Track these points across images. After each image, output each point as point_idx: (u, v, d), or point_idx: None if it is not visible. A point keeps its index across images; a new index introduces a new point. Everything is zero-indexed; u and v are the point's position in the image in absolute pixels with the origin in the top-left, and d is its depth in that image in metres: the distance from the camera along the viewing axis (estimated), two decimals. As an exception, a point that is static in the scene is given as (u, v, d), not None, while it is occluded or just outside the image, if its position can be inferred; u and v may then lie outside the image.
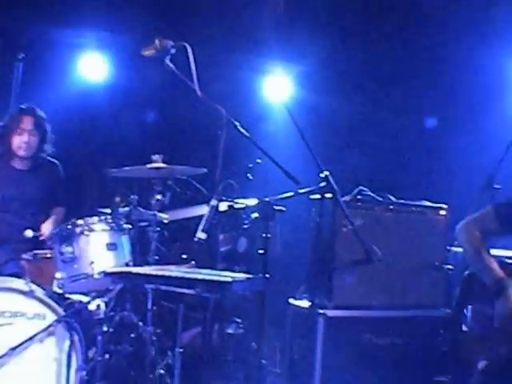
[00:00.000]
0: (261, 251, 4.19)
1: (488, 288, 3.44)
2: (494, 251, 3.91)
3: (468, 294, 3.65)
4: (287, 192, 4.41)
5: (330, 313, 4.94)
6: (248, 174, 5.50)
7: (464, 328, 3.58)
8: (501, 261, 3.56)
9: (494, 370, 3.36)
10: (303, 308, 5.12)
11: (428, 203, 5.37)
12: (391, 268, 5.12)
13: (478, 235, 3.53)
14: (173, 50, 3.89)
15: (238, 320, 5.85)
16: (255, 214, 4.42)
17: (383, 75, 7.29)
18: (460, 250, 5.25)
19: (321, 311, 4.92)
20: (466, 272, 3.72)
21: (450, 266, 5.26)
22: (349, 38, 7.14)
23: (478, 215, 3.62)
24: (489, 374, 3.36)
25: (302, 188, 4.50)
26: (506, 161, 4.87)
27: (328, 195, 4.70)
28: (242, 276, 3.71)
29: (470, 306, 3.59)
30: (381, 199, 5.25)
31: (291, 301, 5.36)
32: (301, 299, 5.31)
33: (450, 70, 7.08)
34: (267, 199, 4.26)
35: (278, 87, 7.75)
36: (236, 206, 4.49)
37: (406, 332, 5.15)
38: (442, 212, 5.34)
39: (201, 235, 3.82)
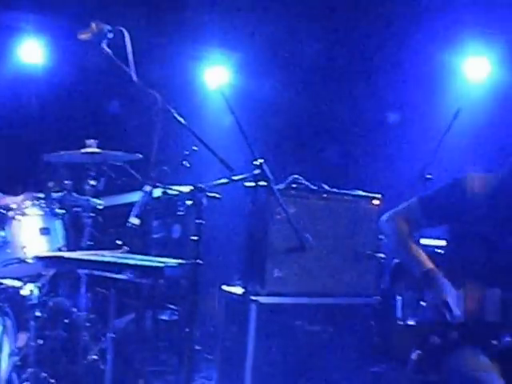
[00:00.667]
0: (194, 237, 4.22)
1: (416, 278, 3.48)
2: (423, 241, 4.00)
3: (396, 284, 3.67)
4: (222, 179, 4.45)
5: (263, 299, 4.96)
6: (184, 162, 5.51)
7: (394, 318, 3.61)
8: (428, 250, 3.59)
9: (425, 358, 3.40)
10: (236, 295, 5.14)
11: (361, 192, 5.43)
12: (324, 256, 5.17)
13: (403, 226, 3.57)
14: (110, 35, 3.85)
15: (172, 306, 5.86)
16: (189, 201, 4.42)
17: (321, 63, 7.35)
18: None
19: (253, 298, 4.94)
20: (394, 261, 3.74)
21: (381, 255, 5.34)
22: (289, 26, 7.17)
23: (403, 207, 3.65)
24: (422, 363, 3.41)
25: (237, 175, 4.54)
26: (439, 152, 4.95)
27: (262, 183, 4.74)
28: (173, 261, 3.71)
29: (399, 296, 3.60)
30: (314, 188, 5.28)
31: (224, 287, 5.39)
32: (234, 286, 5.34)
33: (389, 63, 7.17)
34: (201, 186, 4.28)
35: (216, 75, 7.76)
36: (170, 192, 4.51)
37: (338, 319, 5.21)
38: (375, 201, 5.39)
39: (134, 220, 3.82)
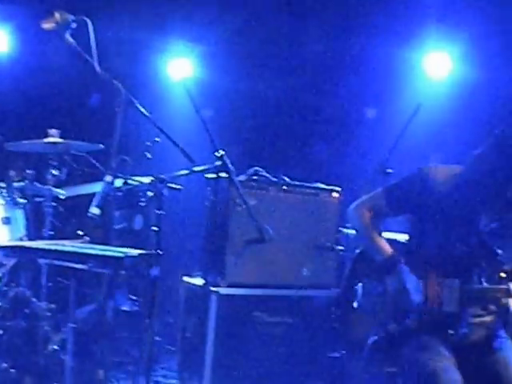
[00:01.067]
0: (155, 228, 4.24)
1: (377, 266, 3.52)
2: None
3: (358, 271, 3.71)
4: (184, 170, 4.47)
5: (223, 291, 5.01)
6: (146, 153, 5.50)
7: (354, 305, 3.65)
8: (391, 239, 3.65)
9: (382, 345, 3.44)
10: (197, 286, 5.17)
11: (321, 185, 5.49)
12: (284, 248, 5.23)
13: (368, 215, 3.60)
14: (74, 25, 3.83)
15: (133, 297, 5.86)
16: (151, 192, 4.43)
17: (285, 56, 7.38)
18: (351, 231, 5.41)
19: (214, 289, 4.98)
20: (357, 250, 3.79)
21: (341, 247, 5.40)
22: (254, 18, 7.18)
23: (369, 196, 3.69)
24: (377, 349, 3.45)
25: (199, 166, 4.56)
26: (398, 146, 5.00)
27: (223, 174, 4.77)
28: (134, 252, 3.72)
29: (359, 284, 3.65)
30: (275, 180, 5.33)
31: (185, 279, 5.41)
32: (194, 277, 5.36)
33: (350, 60, 7.22)
34: (162, 176, 4.30)
35: (179, 67, 7.75)
36: (131, 182, 4.51)
37: (298, 311, 5.28)
38: (335, 194, 5.47)
39: (94, 210, 3.80)
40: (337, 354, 5.03)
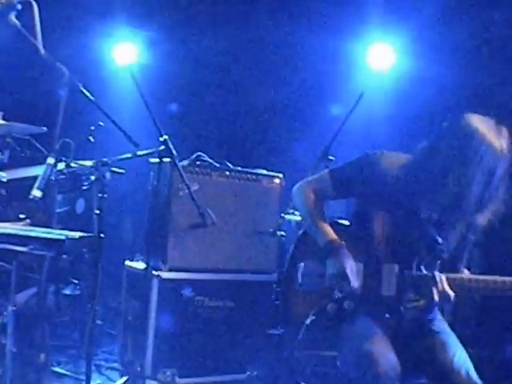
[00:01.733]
0: (97, 211, 4.25)
1: (319, 248, 3.52)
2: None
3: (301, 252, 3.72)
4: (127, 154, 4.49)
5: (165, 275, 5.03)
6: (90, 137, 5.49)
7: (295, 285, 3.65)
8: (333, 222, 3.66)
9: (320, 324, 3.46)
10: (138, 270, 5.17)
11: (264, 171, 5.54)
12: (226, 233, 5.27)
13: (312, 197, 3.61)
14: (19, 6, 3.80)
15: (75, 281, 5.85)
16: (93, 176, 4.43)
17: (229, 43, 7.39)
18: (293, 217, 5.47)
19: (155, 273, 5.00)
20: (301, 231, 3.80)
21: (282, 233, 5.45)
22: (197, 5, 7.19)
23: (314, 177, 3.70)
24: (314, 328, 3.46)
25: (142, 151, 4.58)
26: (341, 133, 5.05)
27: (166, 159, 4.80)
28: (75, 234, 3.72)
29: (301, 264, 3.65)
30: (218, 165, 5.36)
31: (127, 263, 5.42)
32: (136, 261, 5.37)
33: (295, 50, 7.26)
34: (105, 160, 4.32)
35: (124, 52, 7.72)
36: (74, 166, 4.51)
37: (239, 295, 5.31)
38: (277, 180, 5.52)
39: (36, 193, 3.80)
40: (276, 331, 5.07)
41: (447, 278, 3.34)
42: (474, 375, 3.28)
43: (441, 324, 3.56)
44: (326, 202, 3.69)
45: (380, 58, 7.17)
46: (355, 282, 3.42)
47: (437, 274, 3.33)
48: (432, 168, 3.31)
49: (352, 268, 3.42)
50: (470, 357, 3.38)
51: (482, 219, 3.38)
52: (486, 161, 3.19)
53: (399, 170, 3.45)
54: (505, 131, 3.28)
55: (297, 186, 3.72)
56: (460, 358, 3.35)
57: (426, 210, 3.43)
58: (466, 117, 3.30)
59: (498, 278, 3.34)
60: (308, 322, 3.46)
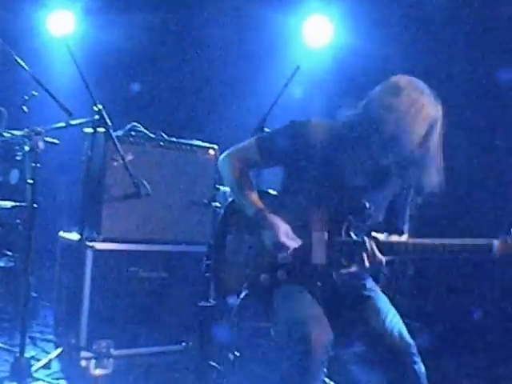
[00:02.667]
0: (30, 181, 4.23)
1: (248, 218, 3.51)
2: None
3: (229, 223, 3.70)
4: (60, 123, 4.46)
5: (99, 246, 5.03)
6: (23, 106, 5.43)
7: (225, 257, 3.63)
8: (261, 191, 3.65)
9: (254, 297, 3.47)
10: (72, 241, 5.15)
11: (198, 142, 5.55)
12: (160, 203, 5.28)
13: (239, 165, 3.59)
14: None
15: (9, 253, 5.79)
16: (27, 146, 4.39)
17: (167, 13, 7.36)
18: (228, 188, 5.49)
19: (89, 244, 4.99)
20: (228, 201, 3.79)
21: (217, 204, 5.47)
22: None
23: (240, 146, 3.65)
24: (248, 300, 3.45)
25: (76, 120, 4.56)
26: (277, 106, 5.08)
27: (100, 129, 4.79)
28: (7, 203, 3.70)
29: (230, 236, 3.65)
30: (153, 136, 5.36)
31: (61, 234, 5.40)
32: (70, 232, 5.35)
33: (231, 24, 7.26)
34: (38, 129, 4.29)
35: (59, 20, 7.61)
36: (6, 135, 4.47)
37: (173, 266, 5.34)
38: (211, 151, 5.53)
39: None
40: (208, 304, 5.10)
41: (380, 242, 3.37)
42: (406, 335, 3.33)
43: (372, 289, 3.59)
44: (253, 170, 3.69)
45: (317, 32, 7.16)
46: (286, 251, 3.41)
47: (366, 238, 3.35)
48: (360, 130, 3.35)
49: (286, 232, 3.42)
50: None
51: (429, 181, 3.40)
52: (421, 115, 3.25)
53: (326, 137, 3.46)
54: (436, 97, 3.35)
55: (223, 155, 3.69)
56: (392, 319, 3.39)
57: (352, 174, 3.46)
58: (397, 76, 3.38)
59: (436, 241, 3.34)
60: (242, 295, 3.46)
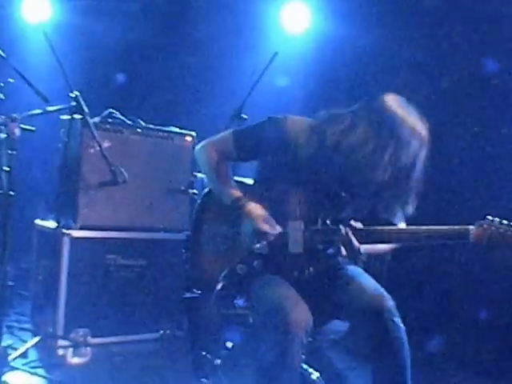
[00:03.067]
0: (6, 168, 4.21)
1: (225, 208, 3.53)
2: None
3: (206, 213, 3.70)
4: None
5: (76, 233, 5.02)
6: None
7: (202, 248, 3.65)
8: (237, 181, 3.65)
9: (232, 286, 3.45)
10: (49, 229, 5.14)
11: (176, 129, 5.56)
12: (138, 190, 5.28)
13: (215, 157, 3.60)
14: None
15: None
16: (3, 134, 4.36)
17: (147, 2, 7.34)
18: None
19: (66, 232, 4.98)
20: (204, 191, 3.78)
21: (195, 191, 5.47)
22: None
23: (216, 138, 3.67)
24: (226, 290, 3.46)
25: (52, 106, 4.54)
26: (255, 93, 5.07)
27: (77, 116, 4.77)
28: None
29: (206, 226, 3.64)
30: (130, 122, 5.35)
31: (37, 222, 5.38)
32: (47, 220, 5.33)
33: (206, 10, 7.24)
34: (14, 116, 4.27)
35: (36, 7, 7.55)
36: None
37: (151, 254, 5.35)
38: (189, 138, 5.54)
39: None
40: (190, 295, 5.09)
41: (357, 230, 3.39)
42: (383, 291, 3.39)
43: (354, 269, 3.62)
44: (229, 162, 3.68)
45: (295, 19, 7.14)
46: (262, 241, 3.43)
47: (341, 226, 3.37)
48: (343, 140, 3.36)
49: (267, 220, 3.43)
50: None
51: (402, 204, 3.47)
52: (403, 141, 3.28)
53: (303, 132, 3.50)
54: (423, 120, 3.37)
55: (199, 145, 3.71)
56: (368, 282, 3.48)
57: (330, 173, 3.46)
58: (388, 98, 3.37)
59: (414, 228, 3.40)
60: (219, 287, 3.46)
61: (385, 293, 3.39)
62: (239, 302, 3.51)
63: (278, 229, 3.44)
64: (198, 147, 3.72)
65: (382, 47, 6.23)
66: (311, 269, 3.44)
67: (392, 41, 6.20)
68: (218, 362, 4.15)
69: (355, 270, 3.62)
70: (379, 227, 3.46)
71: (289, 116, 3.57)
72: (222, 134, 3.69)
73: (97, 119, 5.10)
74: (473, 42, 5.85)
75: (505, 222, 3.27)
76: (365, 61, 6.39)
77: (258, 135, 3.57)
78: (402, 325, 3.33)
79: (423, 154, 3.36)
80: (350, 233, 3.36)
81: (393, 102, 3.36)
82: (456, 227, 3.32)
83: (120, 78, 7.05)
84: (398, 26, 6.35)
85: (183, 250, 3.93)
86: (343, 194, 3.46)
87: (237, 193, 3.53)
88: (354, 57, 6.47)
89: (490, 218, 3.29)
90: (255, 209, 3.45)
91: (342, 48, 6.54)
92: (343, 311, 3.48)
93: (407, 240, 3.43)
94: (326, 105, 3.59)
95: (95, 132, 4.77)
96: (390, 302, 3.34)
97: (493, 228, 3.26)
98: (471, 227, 3.28)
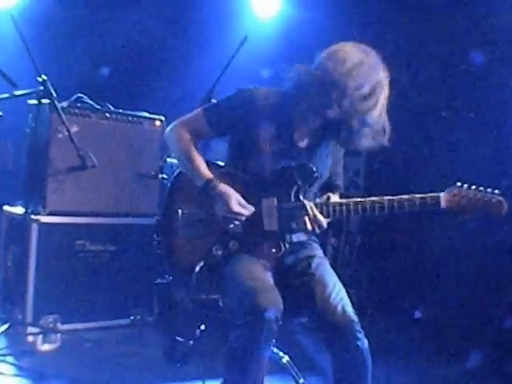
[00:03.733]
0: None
1: (197, 190, 3.52)
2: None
3: (177, 196, 3.68)
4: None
5: (44, 219, 5.01)
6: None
7: (176, 232, 3.64)
8: (209, 162, 3.62)
9: (208, 270, 3.46)
10: (17, 215, 5.13)
11: (145, 114, 5.55)
12: (107, 175, 5.27)
13: (187, 137, 3.59)
14: None
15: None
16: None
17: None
18: (175, 160, 5.48)
19: (34, 218, 4.97)
20: (175, 173, 3.76)
21: (164, 176, 5.46)
22: None
23: (187, 117, 3.66)
24: (203, 275, 3.45)
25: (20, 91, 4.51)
26: (225, 76, 5.07)
27: (45, 100, 4.74)
28: None
29: (179, 210, 3.61)
30: (98, 107, 5.33)
31: (5, 208, 5.35)
32: (15, 206, 5.31)
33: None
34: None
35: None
36: None
37: (121, 239, 5.35)
38: (158, 123, 5.55)
39: None
40: (163, 281, 5.10)
41: (323, 204, 3.44)
42: (350, 311, 3.35)
43: (321, 262, 3.61)
44: (201, 140, 3.71)
45: (265, 2, 7.14)
46: (236, 221, 3.45)
47: (306, 201, 3.41)
48: (305, 96, 3.38)
49: (238, 200, 3.44)
50: (350, 297, 3.48)
51: (367, 142, 3.46)
52: (364, 72, 3.30)
53: (271, 103, 3.51)
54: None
55: (170, 126, 3.70)
56: (337, 294, 3.40)
57: (298, 137, 3.52)
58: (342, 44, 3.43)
59: (384, 198, 3.43)
60: (197, 269, 3.46)
61: (350, 311, 3.36)
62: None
63: (250, 208, 3.45)
64: (168, 129, 3.70)
65: (350, 32, 6.25)
66: (288, 246, 3.48)
67: (359, 25, 6.24)
68: (191, 343, 4.17)
69: (324, 265, 3.60)
70: (347, 200, 3.49)
71: (257, 87, 3.57)
72: (191, 113, 3.67)
73: (65, 104, 5.06)
74: (441, 29, 5.94)
75: (473, 186, 3.37)
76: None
77: (228, 108, 3.58)
78: (366, 345, 3.33)
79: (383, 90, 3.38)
80: (314, 208, 3.41)
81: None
82: (427, 195, 3.40)
83: (88, 61, 6.99)
84: (367, 10, 6.39)
85: (155, 235, 3.93)
86: (314, 169, 3.48)
87: (208, 174, 3.51)
88: (324, 40, 6.49)
89: (459, 184, 3.39)
90: (227, 189, 3.45)
91: (311, 31, 6.55)
92: (307, 310, 3.47)
93: (380, 210, 3.44)
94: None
95: (63, 117, 4.75)
96: (355, 326, 3.33)
97: (463, 193, 3.37)
98: (442, 194, 3.38)
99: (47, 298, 5.01)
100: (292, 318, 3.55)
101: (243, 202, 3.46)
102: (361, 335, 3.32)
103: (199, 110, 3.65)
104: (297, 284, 3.51)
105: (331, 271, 3.59)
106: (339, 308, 3.35)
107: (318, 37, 6.43)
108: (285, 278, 3.49)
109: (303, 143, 3.56)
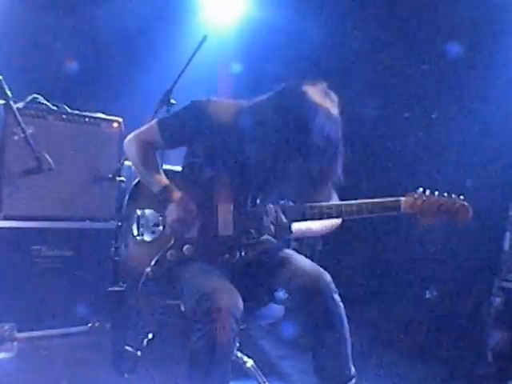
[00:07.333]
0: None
1: (154, 197, 3.63)
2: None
3: (135, 202, 3.78)
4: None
5: (-1, 224, 5.00)
6: None
7: (133, 237, 3.70)
8: (166, 170, 3.76)
9: (161, 273, 3.56)
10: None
11: (102, 115, 5.54)
12: (63, 179, 5.26)
13: (143, 147, 3.70)
14: None
15: None
16: None
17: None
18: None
19: (-12, 222, 4.93)
20: (135, 181, 3.86)
21: (122, 178, 5.45)
22: None
23: (143, 129, 3.77)
24: (156, 278, 3.55)
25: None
26: (184, 77, 5.10)
27: (0, 101, 4.73)
28: None
29: (136, 215, 3.71)
30: (55, 108, 5.32)
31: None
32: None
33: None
34: None
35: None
36: None
37: (78, 244, 5.33)
38: (116, 125, 5.55)
39: None
40: (117, 288, 5.10)
41: (286, 208, 3.57)
42: (316, 265, 3.58)
43: (288, 251, 3.77)
44: (157, 151, 3.79)
45: (226, 1, 7.18)
46: (192, 226, 3.56)
47: (270, 206, 3.54)
48: (268, 120, 3.45)
49: (185, 206, 3.55)
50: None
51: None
52: (318, 125, 3.36)
53: (228, 116, 3.60)
54: (333, 96, 3.48)
55: (127, 139, 3.80)
56: (310, 263, 3.62)
57: (255, 155, 3.55)
58: (304, 88, 3.44)
59: (346, 203, 3.59)
60: (148, 270, 3.51)
61: (321, 269, 3.55)
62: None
63: (194, 212, 3.55)
64: (126, 141, 3.81)
65: (313, 34, 6.32)
66: (243, 252, 3.56)
67: (325, 25, 6.30)
68: (139, 354, 4.19)
69: (289, 252, 3.76)
70: (310, 203, 3.59)
71: (212, 99, 3.67)
72: (147, 124, 3.79)
73: (20, 104, 5.06)
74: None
75: (436, 192, 3.54)
76: (296, 45, 6.47)
77: (181, 121, 3.69)
78: (340, 301, 3.50)
79: (334, 131, 3.43)
80: (279, 212, 3.53)
81: (308, 88, 3.44)
82: (388, 199, 3.57)
83: (44, 61, 6.96)
84: (331, 11, 6.46)
85: (113, 241, 3.96)
86: (269, 175, 3.57)
87: (164, 180, 3.64)
88: (286, 41, 6.54)
89: (420, 189, 3.56)
90: (176, 196, 3.57)
91: (273, 33, 6.61)
92: (282, 280, 3.59)
93: (340, 214, 3.60)
94: (254, 88, 3.69)
95: (19, 118, 4.75)
96: (327, 278, 3.50)
97: (423, 198, 3.52)
98: (402, 198, 3.55)
99: (3, 305, 4.96)
100: (254, 318, 3.68)
101: (192, 207, 3.56)
102: (334, 288, 3.50)
103: (154, 122, 3.77)
104: (260, 276, 3.64)
105: (300, 255, 3.76)
106: (309, 267, 3.57)
107: (280, 37, 6.53)
108: (244, 277, 3.58)
109: (260, 156, 3.55)
